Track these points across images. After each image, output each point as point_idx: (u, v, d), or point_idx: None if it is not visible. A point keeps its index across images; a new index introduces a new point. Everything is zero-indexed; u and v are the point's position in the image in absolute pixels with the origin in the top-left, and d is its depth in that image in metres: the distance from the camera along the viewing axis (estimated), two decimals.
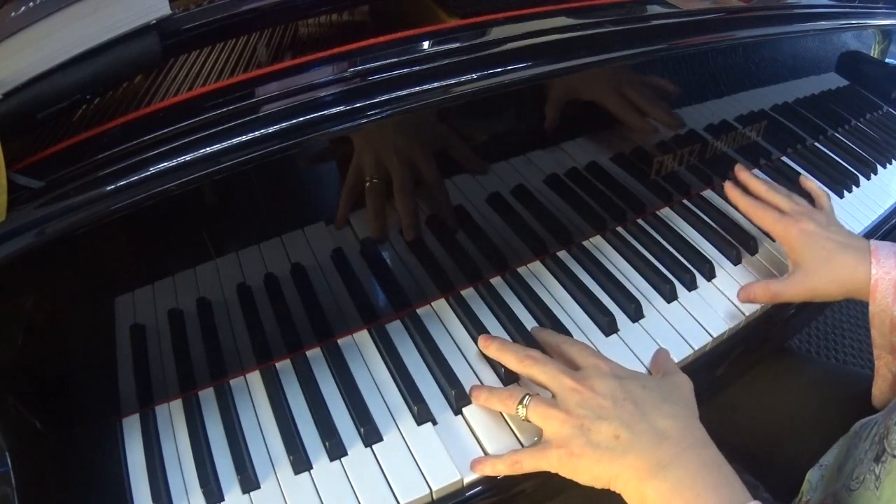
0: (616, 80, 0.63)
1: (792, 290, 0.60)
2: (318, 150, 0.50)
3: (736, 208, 0.70)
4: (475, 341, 0.59)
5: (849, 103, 0.97)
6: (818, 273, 0.58)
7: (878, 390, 0.61)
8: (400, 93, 0.48)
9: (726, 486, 0.41)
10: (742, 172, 0.71)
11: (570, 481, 0.46)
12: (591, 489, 0.63)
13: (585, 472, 0.45)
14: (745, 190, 0.70)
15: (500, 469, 0.48)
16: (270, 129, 0.45)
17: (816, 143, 0.92)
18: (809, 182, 0.73)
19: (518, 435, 0.51)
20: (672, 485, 0.42)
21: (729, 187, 0.70)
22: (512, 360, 0.52)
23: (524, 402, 0.48)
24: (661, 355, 0.56)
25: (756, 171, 0.85)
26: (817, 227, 0.61)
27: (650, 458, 0.43)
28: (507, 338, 0.58)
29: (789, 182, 0.83)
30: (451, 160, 0.56)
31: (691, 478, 0.42)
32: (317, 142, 0.47)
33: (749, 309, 0.64)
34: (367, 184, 0.52)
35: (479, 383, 0.55)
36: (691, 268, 0.67)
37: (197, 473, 0.49)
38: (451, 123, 0.55)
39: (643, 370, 0.57)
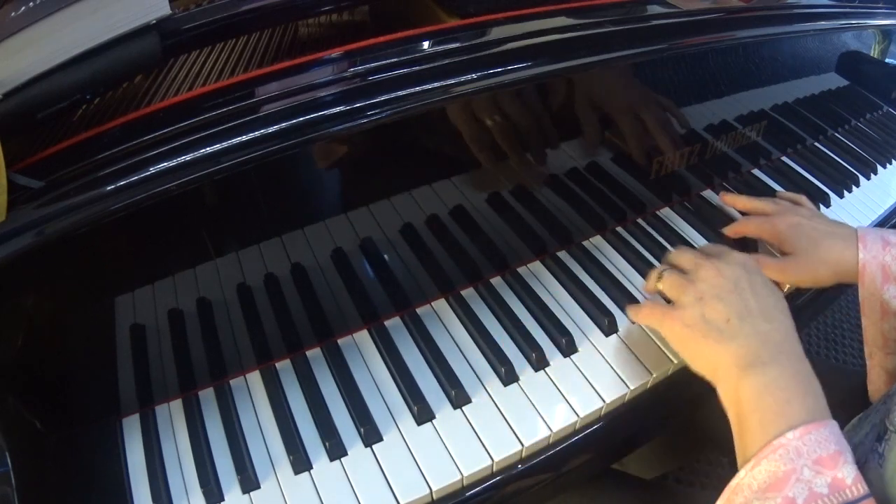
0: (616, 80, 0.63)
1: (781, 269, 0.62)
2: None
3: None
4: (475, 341, 0.59)
5: (849, 103, 0.97)
6: (807, 259, 0.60)
7: (874, 388, 0.61)
8: (400, 93, 0.48)
9: (812, 398, 0.44)
10: (726, 197, 0.74)
11: (567, 483, 0.47)
12: (588, 490, 0.63)
13: (691, 345, 0.49)
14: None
15: (630, 310, 0.56)
16: (270, 129, 0.45)
17: (816, 143, 0.92)
18: (785, 193, 0.75)
19: (516, 431, 0.52)
20: (766, 382, 0.44)
21: (725, 230, 0.71)
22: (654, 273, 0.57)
23: (663, 274, 0.54)
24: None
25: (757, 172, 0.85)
26: (802, 219, 0.63)
27: (752, 352, 0.46)
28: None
29: (789, 182, 0.83)
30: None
31: (785, 380, 0.44)
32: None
33: None
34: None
35: (479, 383, 0.55)
36: None
37: (197, 473, 0.49)
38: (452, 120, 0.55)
39: (644, 372, 0.57)
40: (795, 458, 0.40)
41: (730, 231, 0.70)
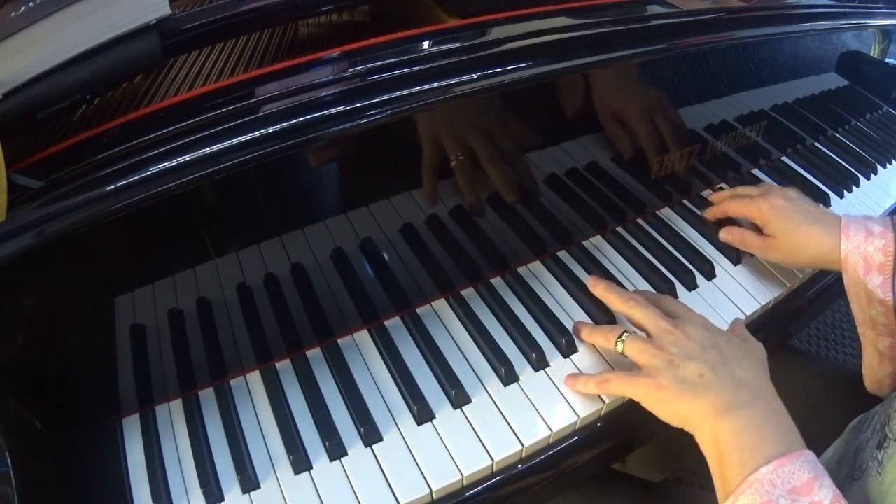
0: (617, 79, 0.63)
1: (762, 245, 0.65)
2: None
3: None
4: (475, 341, 0.59)
5: (849, 103, 0.97)
6: (787, 242, 0.63)
7: (868, 368, 0.62)
8: (400, 93, 0.48)
9: (788, 434, 0.45)
10: (713, 197, 0.75)
11: (567, 483, 0.46)
12: (588, 490, 0.63)
13: (667, 405, 0.49)
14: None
15: (589, 387, 0.54)
16: (270, 129, 0.45)
17: (816, 143, 0.92)
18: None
19: (516, 431, 0.52)
20: (743, 424, 0.45)
21: (705, 213, 0.73)
22: (616, 301, 0.57)
23: (622, 338, 0.53)
24: (737, 324, 0.60)
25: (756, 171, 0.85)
26: (786, 201, 0.64)
27: (727, 398, 0.47)
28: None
29: (789, 182, 0.83)
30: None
31: (760, 421, 0.46)
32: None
33: (749, 309, 0.64)
34: (454, 161, 0.56)
35: (479, 383, 0.55)
36: (691, 268, 0.67)
37: (197, 473, 0.49)
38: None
39: None
40: (770, 490, 0.41)
41: (711, 213, 0.72)
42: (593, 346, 0.58)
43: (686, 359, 0.49)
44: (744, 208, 0.67)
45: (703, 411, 0.47)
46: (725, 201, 0.71)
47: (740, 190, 0.72)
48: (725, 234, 0.68)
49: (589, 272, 0.66)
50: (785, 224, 0.63)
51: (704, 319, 0.54)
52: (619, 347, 0.53)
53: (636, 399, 0.51)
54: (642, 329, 0.54)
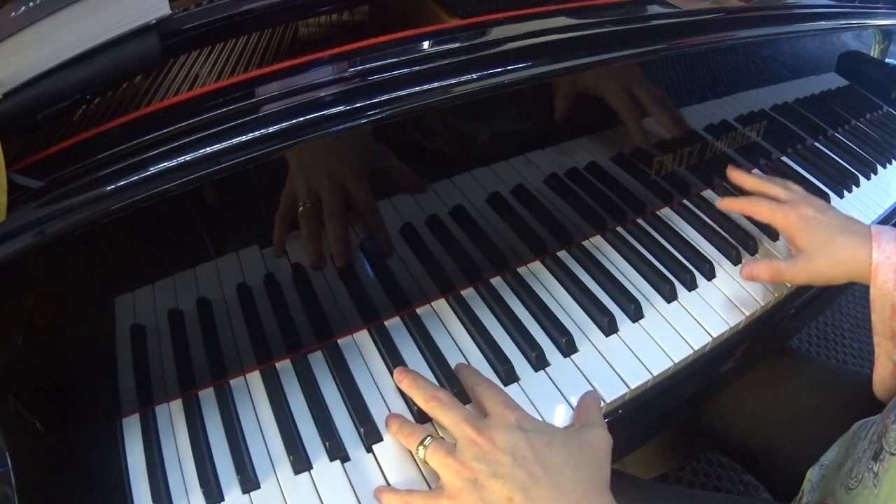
0: (617, 79, 0.63)
1: (794, 271, 0.60)
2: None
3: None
4: (475, 341, 0.59)
5: (849, 103, 0.97)
6: (820, 256, 0.59)
7: (879, 378, 0.60)
8: (400, 93, 0.48)
9: None
10: (734, 173, 0.71)
11: None
12: None
13: None
14: (739, 192, 0.71)
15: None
16: (270, 129, 0.45)
17: (816, 143, 0.92)
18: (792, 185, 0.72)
19: None
20: None
21: (721, 200, 0.70)
22: (420, 398, 0.50)
23: (425, 443, 0.47)
24: (586, 401, 0.52)
25: (755, 170, 0.85)
26: (815, 211, 0.61)
27: None
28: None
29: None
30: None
31: None
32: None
33: (749, 309, 0.64)
34: (300, 209, 0.50)
35: None
36: (691, 268, 0.67)
37: (197, 473, 0.49)
38: (454, 119, 0.55)
39: (644, 372, 0.57)
40: None
41: (728, 205, 0.68)
42: (594, 346, 0.58)
43: (492, 477, 0.42)
44: (769, 214, 0.63)
45: None
46: (748, 200, 0.66)
47: (769, 189, 0.66)
48: (750, 271, 0.63)
49: (589, 272, 0.66)
50: (818, 236, 0.59)
51: (521, 416, 0.46)
52: (421, 453, 0.47)
53: None
54: (447, 431, 0.48)
